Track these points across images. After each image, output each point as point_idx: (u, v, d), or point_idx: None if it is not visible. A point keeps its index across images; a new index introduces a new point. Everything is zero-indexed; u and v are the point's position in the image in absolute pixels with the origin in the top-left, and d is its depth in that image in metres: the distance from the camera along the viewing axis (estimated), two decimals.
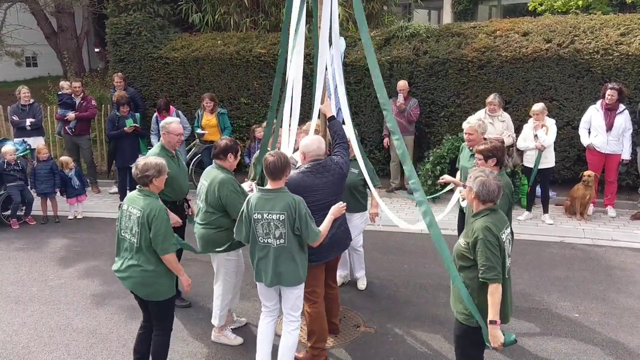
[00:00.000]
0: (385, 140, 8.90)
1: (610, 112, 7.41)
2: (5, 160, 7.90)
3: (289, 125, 4.75)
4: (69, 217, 8.35)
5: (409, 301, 5.55)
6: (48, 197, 8.24)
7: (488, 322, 3.35)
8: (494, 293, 3.32)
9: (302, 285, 4.11)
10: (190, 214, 5.40)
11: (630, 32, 8.14)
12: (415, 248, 6.87)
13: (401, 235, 7.04)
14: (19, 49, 16.92)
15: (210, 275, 4.95)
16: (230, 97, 10.00)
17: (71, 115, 9.00)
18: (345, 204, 4.26)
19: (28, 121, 8.94)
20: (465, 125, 5.51)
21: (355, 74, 9.14)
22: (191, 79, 10.12)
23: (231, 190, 4.40)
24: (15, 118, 9.07)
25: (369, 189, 5.19)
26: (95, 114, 9.67)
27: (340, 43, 8.53)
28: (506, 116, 7.69)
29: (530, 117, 7.50)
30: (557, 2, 12.45)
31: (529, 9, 13.25)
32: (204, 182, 4.56)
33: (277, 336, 4.37)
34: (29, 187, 8.20)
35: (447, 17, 18.37)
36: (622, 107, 7.44)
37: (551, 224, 7.55)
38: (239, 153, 4.67)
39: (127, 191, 7.62)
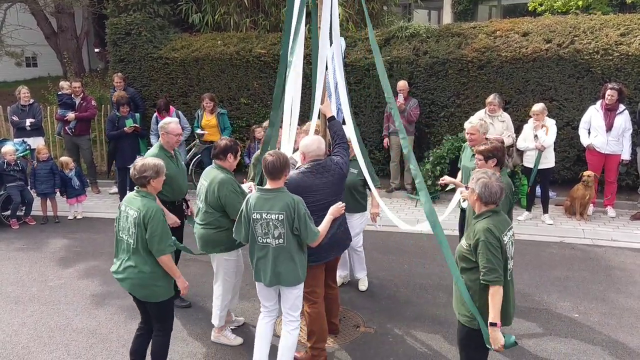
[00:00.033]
0: (385, 140, 8.90)
1: (610, 112, 7.41)
2: (5, 160, 7.90)
3: (289, 126, 4.76)
4: (68, 218, 8.35)
5: (409, 301, 5.55)
6: (48, 197, 8.24)
7: (488, 324, 3.35)
8: (495, 295, 3.31)
9: (302, 285, 4.11)
10: (189, 214, 5.40)
11: (630, 33, 8.15)
12: (415, 248, 6.87)
13: (401, 236, 7.04)
14: (19, 49, 16.92)
15: (210, 275, 4.95)
16: (230, 97, 10.00)
17: (71, 115, 9.01)
18: (344, 204, 4.26)
19: (28, 121, 8.94)
20: (467, 125, 5.52)
21: (355, 74, 9.14)
22: (191, 79, 10.12)
23: (230, 191, 4.40)
24: (15, 118, 9.07)
25: (369, 189, 5.20)
26: (95, 114, 9.66)
27: (341, 43, 8.52)
28: (506, 116, 7.69)
29: (530, 117, 7.51)
30: (557, 2, 12.45)
31: (529, 9, 13.26)
32: (203, 182, 4.56)
33: (277, 336, 4.37)
34: (28, 187, 8.20)
35: (447, 18, 18.37)
36: (622, 107, 7.44)
37: (551, 224, 7.55)
38: (239, 153, 4.67)
39: (127, 191, 7.63)
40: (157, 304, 3.99)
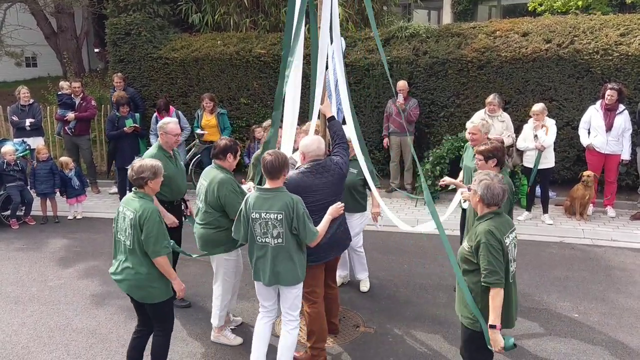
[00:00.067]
0: (385, 140, 8.91)
1: (609, 112, 7.41)
2: (5, 160, 7.90)
3: (289, 126, 4.75)
4: (68, 218, 8.35)
5: (409, 301, 5.55)
6: (48, 197, 8.24)
7: (488, 325, 3.34)
8: (495, 297, 3.31)
9: (301, 285, 4.10)
10: (188, 214, 5.39)
11: (630, 33, 8.15)
12: (415, 248, 6.87)
13: (401, 236, 7.04)
14: (18, 49, 16.92)
15: (210, 275, 4.95)
16: (230, 97, 10.00)
17: (71, 115, 9.00)
18: (343, 204, 4.26)
19: (28, 121, 8.94)
20: (469, 124, 5.51)
21: (355, 74, 9.14)
22: (191, 79, 10.12)
23: (230, 190, 4.40)
24: (15, 118, 9.07)
25: (369, 189, 5.20)
26: (95, 114, 9.66)
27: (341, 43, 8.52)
28: (506, 116, 7.69)
29: (530, 117, 7.51)
30: (557, 2, 12.46)
31: (529, 9, 13.26)
32: (203, 182, 4.56)
33: (276, 336, 4.37)
34: (28, 187, 8.20)
35: (447, 18, 18.37)
36: (621, 107, 7.44)
37: (551, 224, 7.55)
38: (239, 153, 4.67)
39: (127, 191, 7.63)
40: (156, 305, 3.98)
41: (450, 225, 6.00)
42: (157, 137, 5.30)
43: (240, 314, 5.24)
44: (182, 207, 5.39)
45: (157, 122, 8.38)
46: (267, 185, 3.94)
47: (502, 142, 5.73)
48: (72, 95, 9.15)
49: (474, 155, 4.79)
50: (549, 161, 7.47)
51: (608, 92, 7.32)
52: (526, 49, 8.33)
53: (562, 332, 4.93)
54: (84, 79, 13.49)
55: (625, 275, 6.05)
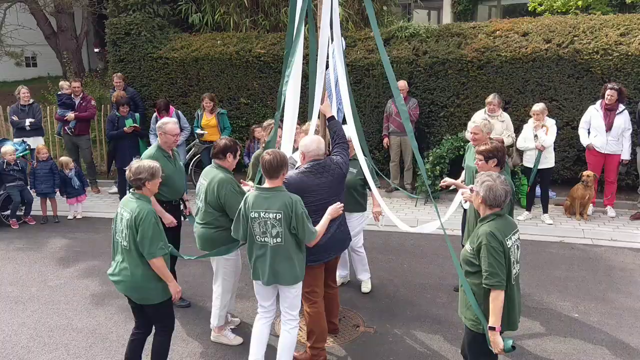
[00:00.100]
0: (385, 140, 8.91)
1: (609, 112, 7.41)
2: (5, 160, 7.90)
3: (289, 126, 4.75)
4: (68, 217, 8.35)
5: (409, 301, 5.55)
6: (48, 197, 8.24)
7: (488, 327, 3.34)
8: (495, 299, 3.30)
9: (300, 284, 4.11)
10: (187, 213, 5.40)
11: (629, 32, 8.15)
12: (415, 248, 6.87)
13: (401, 236, 7.04)
14: (18, 49, 16.93)
15: (209, 275, 4.95)
16: (230, 97, 10.00)
17: (70, 115, 9.00)
18: (342, 204, 4.25)
19: (27, 121, 8.93)
20: (470, 124, 5.51)
21: (355, 74, 9.13)
22: (191, 79, 10.12)
23: (230, 190, 4.40)
24: (15, 118, 9.06)
25: (369, 188, 5.19)
26: (95, 114, 9.66)
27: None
28: (506, 116, 7.70)
29: (530, 117, 7.51)
30: (557, 2, 12.44)
31: (529, 9, 13.25)
32: (203, 181, 4.56)
33: (276, 336, 4.37)
34: (28, 187, 8.20)
35: (447, 17, 18.37)
36: (621, 107, 7.44)
37: (551, 224, 7.55)
38: (238, 153, 4.67)
39: (127, 191, 7.62)
40: (155, 305, 3.96)
41: (451, 225, 5.99)
42: (157, 137, 5.30)
43: (239, 314, 5.24)
44: (181, 207, 5.38)
45: (157, 122, 8.38)
46: (266, 184, 3.94)
47: (502, 142, 5.74)
48: (72, 95, 9.15)
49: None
50: (549, 161, 7.47)
51: (608, 92, 7.32)
52: (526, 48, 8.33)
53: (562, 332, 4.93)
54: (83, 79, 13.49)
55: (625, 275, 6.05)
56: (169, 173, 4.89)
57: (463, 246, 4.71)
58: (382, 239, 7.01)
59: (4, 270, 6.46)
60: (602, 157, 7.60)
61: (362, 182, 5.23)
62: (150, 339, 4.19)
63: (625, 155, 7.54)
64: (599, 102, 7.56)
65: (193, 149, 9.34)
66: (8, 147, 8.01)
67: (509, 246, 3.38)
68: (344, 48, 5.25)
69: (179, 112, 9.03)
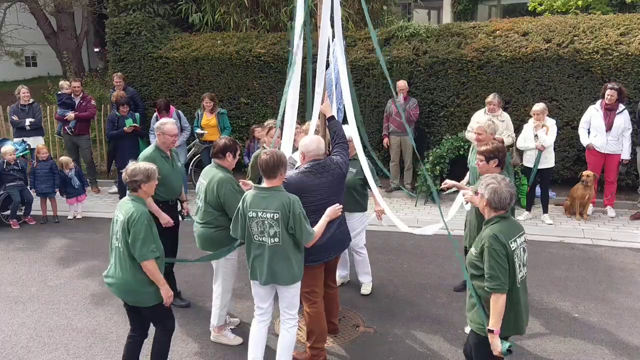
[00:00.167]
0: (385, 140, 8.90)
1: (609, 112, 7.41)
2: (5, 160, 7.90)
3: (289, 126, 4.75)
4: (68, 217, 8.35)
5: (409, 301, 5.55)
6: (48, 197, 8.24)
7: (487, 330, 3.34)
8: (496, 302, 3.29)
9: (298, 284, 4.10)
10: (185, 213, 5.39)
11: (629, 32, 8.15)
12: (415, 248, 6.87)
13: (401, 236, 7.02)
14: (18, 49, 16.91)
15: (209, 275, 4.95)
16: (230, 97, 10.00)
17: (70, 115, 9.00)
18: (341, 205, 4.25)
19: (27, 121, 8.93)
20: (471, 124, 5.51)
21: (355, 74, 9.12)
22: (191, 78, 10.12)
23: (230, 190, 4.40)
24: (15, 118, 9.06)
25: (369, 188, 5.19)
26: (95, 113, 9.66)
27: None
28: (506, 116, 7.69)
29: (530, 117, 7.51)
30: (557, 2, 12.44)
31: (529, 8, 13.25)
32: (202, 181, 4.56)
33: (275, 336, 4.36)
34: (28, 187, 8.19)
35: (447, 17, 18.37)
36: (621, 107, 7.44)
37: (551, 224, 7.55)
38: (238, 152, 4.67)
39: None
40: (151, 308, 3.94)
41: (452, 226, 5.97)
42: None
43: (239, 314, 5.24)
44: (179, 208, 5.37)
45: (157, 121, 8.38)
46: (265, 184, 3.94)
47: (502, 142, 5.73)
48: (72, 95, 9.15)
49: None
50: (549, 161, 7.47)
51: (608, 91, 7.32)
52: (526, 48, 8.33)
53: (562, 332, 4.92)
54: (83, 79, 13.49)
55: (625, 275, 6.05)
56: (166, 173, 4.89)
57: (465, 247, 4.73)
58: (382, 239, 7.01)
59: (4, 270, 6.46)
60: (602, 157, 7.60)
61: (362, 182, 5.22)
62: (150, 340, 4.18)
63: (625, 155, 7.54)
64: (599, 102, 7.56)
65: (193, 148, 9.34)
66: (8, 147, 8.01)
67: (513, 249, 3.37)
68: (345, 48, 5.26)
69: (180, 112, 9.02)
